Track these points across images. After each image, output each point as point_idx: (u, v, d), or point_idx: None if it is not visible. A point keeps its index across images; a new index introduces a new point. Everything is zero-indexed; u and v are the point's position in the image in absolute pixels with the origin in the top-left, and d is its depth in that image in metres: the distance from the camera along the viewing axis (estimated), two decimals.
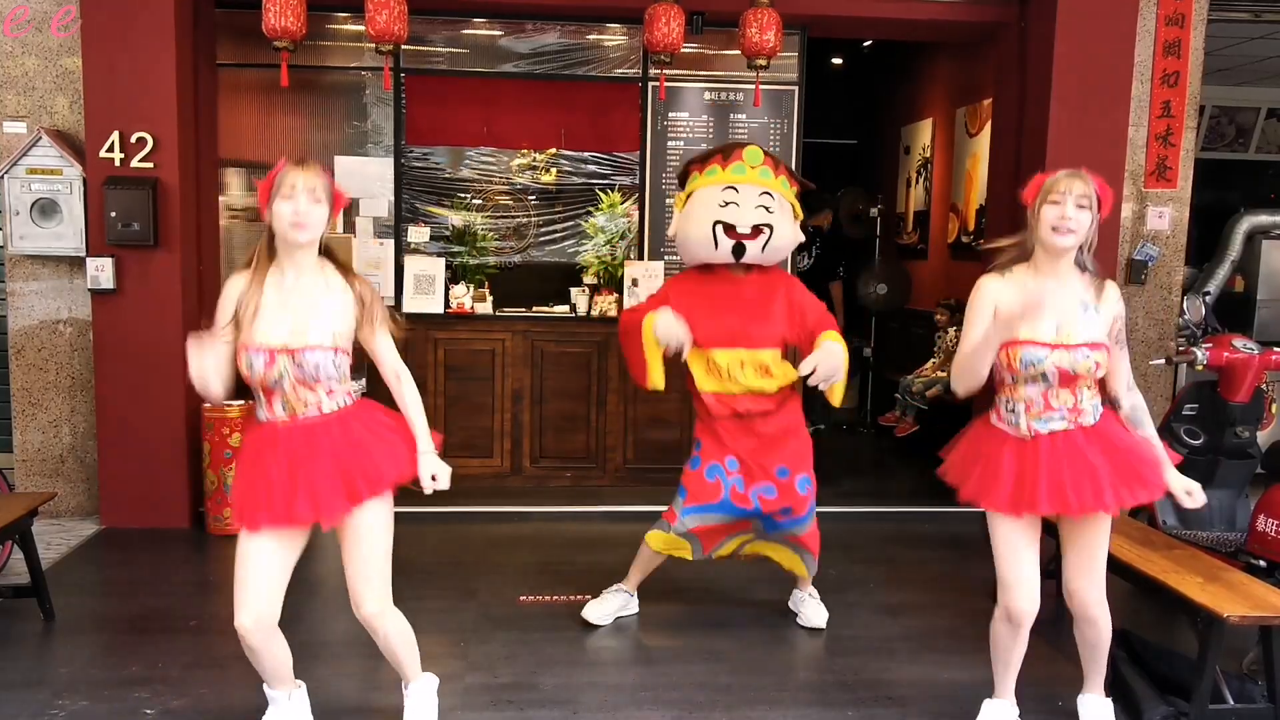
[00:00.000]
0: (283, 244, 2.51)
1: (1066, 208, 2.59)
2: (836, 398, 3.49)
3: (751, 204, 3.43)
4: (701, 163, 3.58)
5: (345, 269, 2.62)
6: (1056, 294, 2.63)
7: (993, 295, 2.70)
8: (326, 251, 2.61)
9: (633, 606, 3.83)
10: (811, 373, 3.34)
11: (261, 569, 2.55)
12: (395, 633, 2.75)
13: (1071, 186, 2.60)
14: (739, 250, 3.43)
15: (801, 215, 3.64)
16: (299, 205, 2.46)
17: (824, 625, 3.78)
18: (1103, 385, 2.74)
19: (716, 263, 3.52)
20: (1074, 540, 2.79)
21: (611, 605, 3.78)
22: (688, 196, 3.56)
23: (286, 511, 2.49)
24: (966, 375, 2.68)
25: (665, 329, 3.43)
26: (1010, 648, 2.85)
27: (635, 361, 3.57)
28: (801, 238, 3.64)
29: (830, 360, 3.35)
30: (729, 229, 3.41)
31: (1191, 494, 2.72)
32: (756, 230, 3.42)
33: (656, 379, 3.52)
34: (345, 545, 2.63)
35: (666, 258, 5.64)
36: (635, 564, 3.78)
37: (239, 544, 2.57)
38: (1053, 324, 2.63)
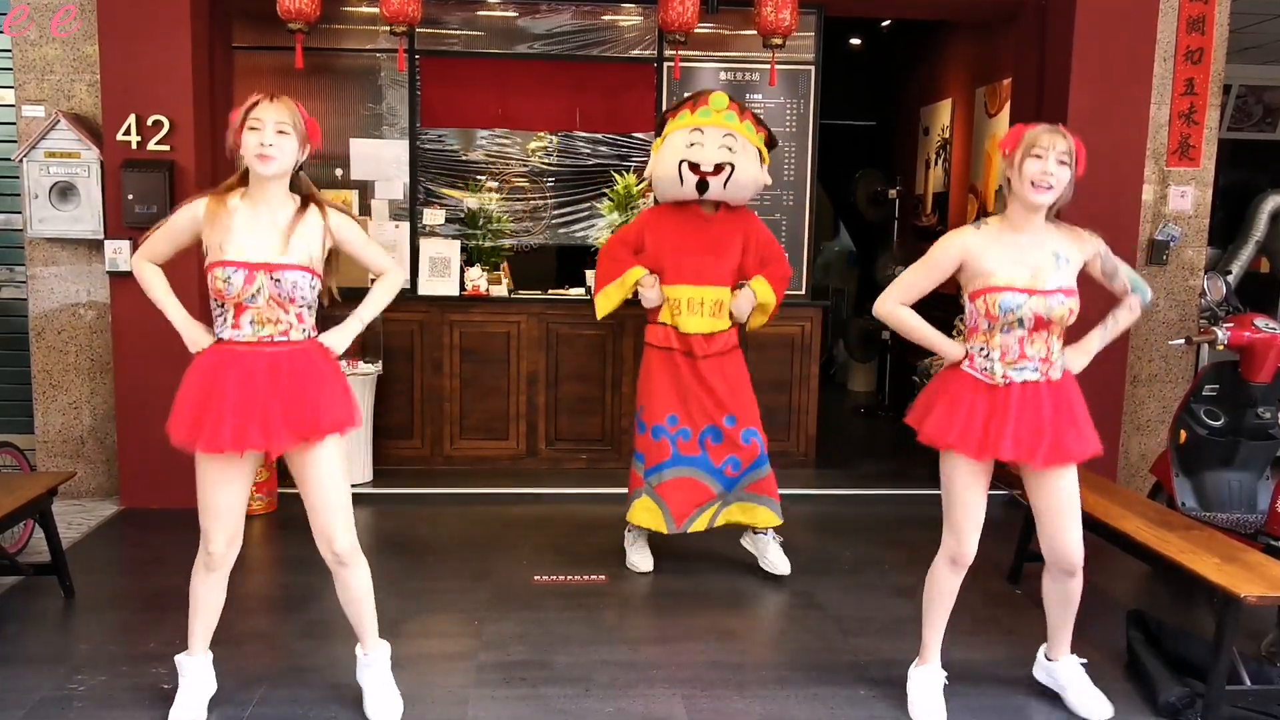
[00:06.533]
0: (253, 175, 2.60)
1: (1048, 163, 2.62)
2: (752, 323, 3.95)
3: (715, 144, 3.75)
4: (674, 110, 3.95)
5: (314, 199, 2.69)
6: (1028, 248, 2.69)
7: (963, 246, 2.74)
8: (299, 186, 2.68)
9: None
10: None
11: (228, 495, 2.65)
12: (362, 579, 2.79)
13: (1054, 143, 2.63)
14: (702, 186, 3.76)
15: (768, 159, 3.95)
16: (265, 137, 2.53)
17: (787, 572, 3.94)
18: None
19: (684, 199, 3.84)
20: (1042, 491, 2.80)
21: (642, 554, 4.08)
22: (662, 141, 3.89)
23: (239, 437, 2.54)
24: (887, 318, 2.84)
25: (649, 293, 3.87)
26: (948, 594, 2.90)
27: (601, 286, 3.96)
28: (767, 180, 3.93)
29: (736, 305, 3.86)
30: (693, 166, 3.75)
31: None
32: (718, 168, 3.74)
33: (604, 309, 3.97)
34: (307, 486, 2.69)
35: None
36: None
37: (201, 470, 2.64)
38: (1028, 271, 2.66)
